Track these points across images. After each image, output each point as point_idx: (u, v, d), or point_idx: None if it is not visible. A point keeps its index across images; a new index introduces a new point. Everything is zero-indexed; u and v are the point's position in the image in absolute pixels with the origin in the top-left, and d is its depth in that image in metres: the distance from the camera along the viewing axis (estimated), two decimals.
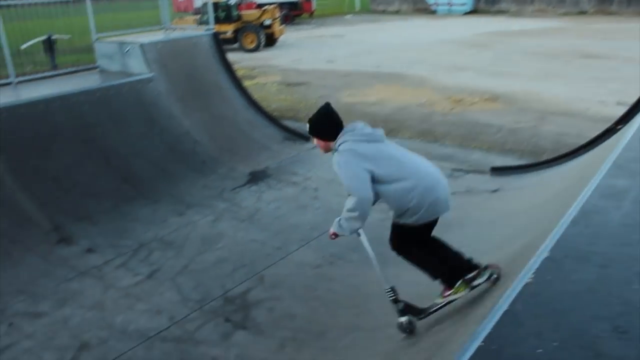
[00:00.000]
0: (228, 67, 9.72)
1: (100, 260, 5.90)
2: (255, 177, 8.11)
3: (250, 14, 24.19)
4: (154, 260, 5.92)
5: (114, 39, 9.54)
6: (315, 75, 16.85)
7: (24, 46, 11.52)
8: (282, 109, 12.24)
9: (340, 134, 3.43)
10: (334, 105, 3.66)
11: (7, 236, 6.11)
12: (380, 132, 3.49)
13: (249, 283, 5.40)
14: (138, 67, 8.89)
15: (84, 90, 7.88)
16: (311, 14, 38.42)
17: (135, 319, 4.89)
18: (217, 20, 23.45)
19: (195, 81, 9.24)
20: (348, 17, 38.91)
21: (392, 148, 3.47)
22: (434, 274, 3.58)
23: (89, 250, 6.09)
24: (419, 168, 3.38)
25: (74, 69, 9.58)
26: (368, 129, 3.47)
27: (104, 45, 9.46)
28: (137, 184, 7.45)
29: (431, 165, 3.48)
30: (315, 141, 3.61)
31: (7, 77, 8.38)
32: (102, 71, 9.54)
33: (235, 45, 23.18)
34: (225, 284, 5.41)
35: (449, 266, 3.51)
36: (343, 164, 3.32)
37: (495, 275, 3.43)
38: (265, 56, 21.73)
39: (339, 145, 3.40)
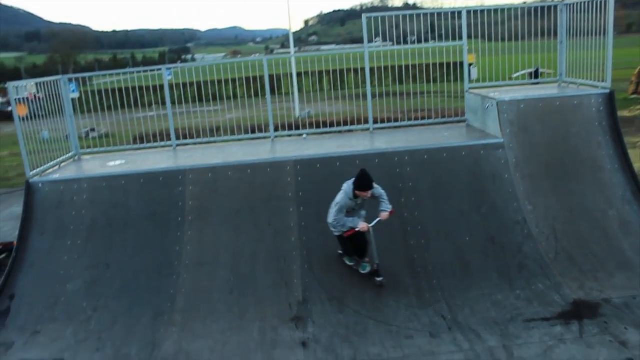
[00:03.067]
0: (619, 140, 6.86)
1: None
2: (576, 311, 5.45)
3: None
4: None
5: (483, 91, 8.14)
6: None
7: (514, 75, 11.42)
8: None
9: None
10: None
11: (256, 296, 5.94)
12: None
13: None
14: (493, 128, 7.29)
15: (408, 149, 6.94)
16: None
17: None
18: None
19: (560, 154, 6.88)
20: None
21: None
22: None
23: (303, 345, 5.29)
24: None
25: (443, 120, 8.71)
26: None
27: (472, 98, 8.20)
28: (420, 275, 6.12)
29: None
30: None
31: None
32: (469, 126, 8.33)
33: None
34: None
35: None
36: None
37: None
38: None
39: None
